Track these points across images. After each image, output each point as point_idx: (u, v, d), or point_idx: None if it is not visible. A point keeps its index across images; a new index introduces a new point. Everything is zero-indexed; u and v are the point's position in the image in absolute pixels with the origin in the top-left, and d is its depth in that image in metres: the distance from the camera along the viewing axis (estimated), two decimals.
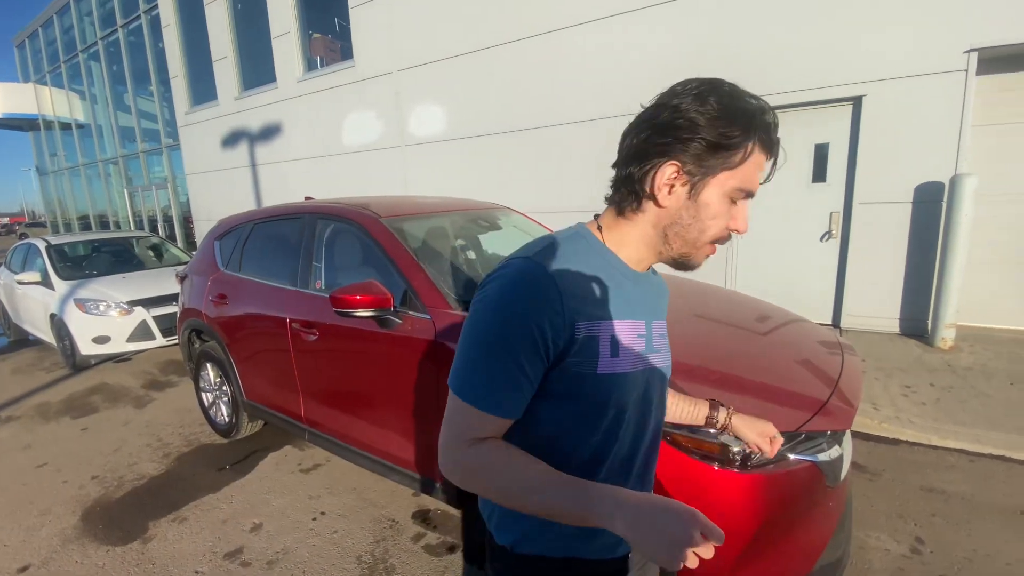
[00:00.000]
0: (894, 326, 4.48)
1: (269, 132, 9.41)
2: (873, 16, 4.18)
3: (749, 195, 0.71)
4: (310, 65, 8.90)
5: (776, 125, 0.69)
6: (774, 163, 0.72)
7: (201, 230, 11.56)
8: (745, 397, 1.57)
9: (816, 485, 1.52)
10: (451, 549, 2.23)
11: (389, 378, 2.12)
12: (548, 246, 0.74)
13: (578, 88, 5.74)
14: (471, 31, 6.44)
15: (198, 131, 11.00)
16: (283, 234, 2.89)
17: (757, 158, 0.69)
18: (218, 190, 10.78)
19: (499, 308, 0.68)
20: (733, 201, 0.71)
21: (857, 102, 4.36)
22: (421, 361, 1.96)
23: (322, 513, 2.53)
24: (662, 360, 0.82)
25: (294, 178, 9.08)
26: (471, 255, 3.09)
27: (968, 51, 3.91)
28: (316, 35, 8.98)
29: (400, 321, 2.01)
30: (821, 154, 4.60)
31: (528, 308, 0.66)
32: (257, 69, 9.58)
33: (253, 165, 9.88)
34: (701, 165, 0.68)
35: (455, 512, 2.45)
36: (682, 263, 0.77)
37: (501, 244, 3.38)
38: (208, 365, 3.40)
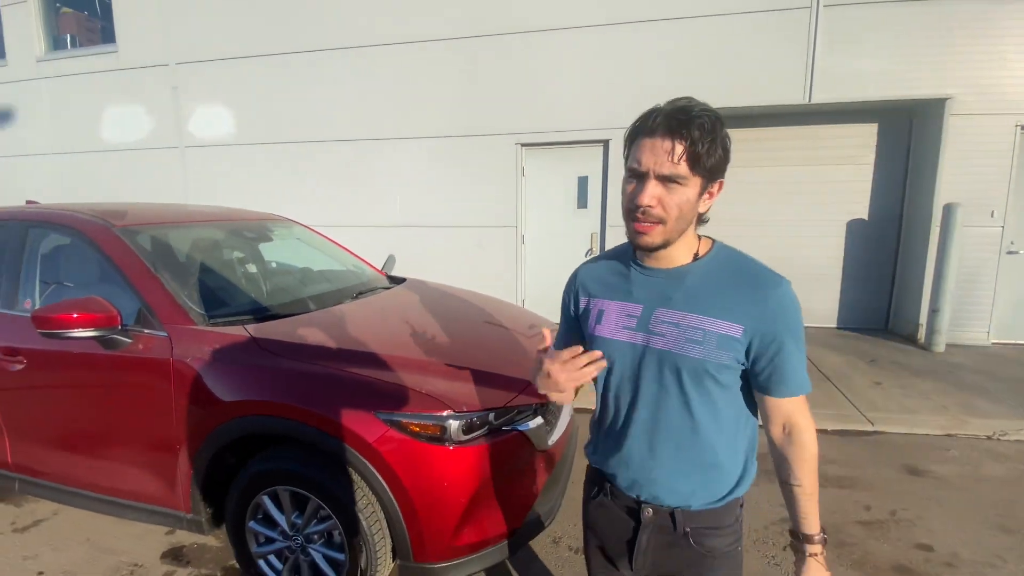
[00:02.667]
0: None
1: None
2: (615, 80, 5.25)
3: (633, 173, 0.91)
4: (57, 44, 7.35)
5: (656, 115, 0.87)
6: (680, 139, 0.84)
7: None
8: (470, 384, 1.86)
9: (524, 450, 1.87)
10: None
11: (120, 406, 1.93)
12: (613, 248, 1.11)
13: (384, 107, 5.85)
14: (265, 33, 6.09)
15: None
16: None
17: (640, 143, 0.89)
18: None
19: None
20: (631, 178, 0.92)
21: (606, 144, 5.39)
22: (156, 383, 1.84)
23: (40, 573, 2.14)
24: (665, 343, 0.93)
25: (32, 177, 7.33)
26: (251, 268, 2.97)
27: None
28: (66, 9, 7.47)
29: (130, 340, 1.86)
30: (583, 185, 5.53)
31: (567, 284, 1.15)
32: None
33: None
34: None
35: (216, 543, 2.31)
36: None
37: (288, 256, 3.30)
38: None
